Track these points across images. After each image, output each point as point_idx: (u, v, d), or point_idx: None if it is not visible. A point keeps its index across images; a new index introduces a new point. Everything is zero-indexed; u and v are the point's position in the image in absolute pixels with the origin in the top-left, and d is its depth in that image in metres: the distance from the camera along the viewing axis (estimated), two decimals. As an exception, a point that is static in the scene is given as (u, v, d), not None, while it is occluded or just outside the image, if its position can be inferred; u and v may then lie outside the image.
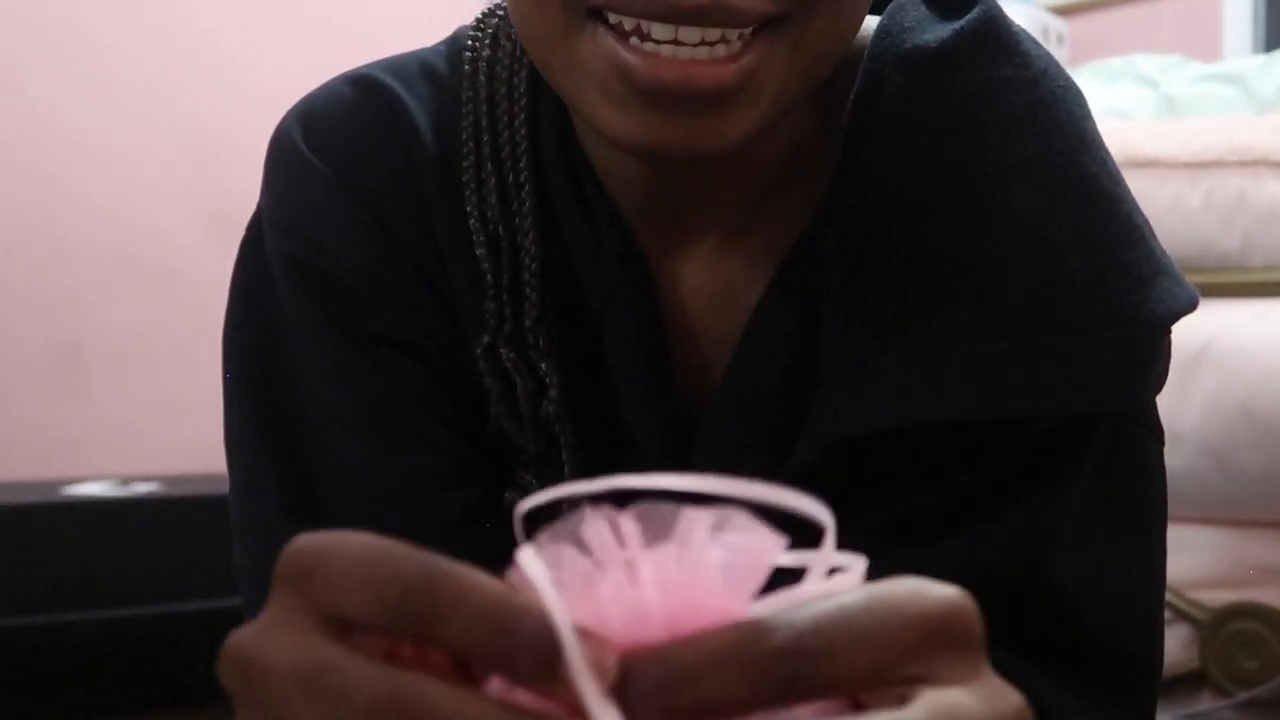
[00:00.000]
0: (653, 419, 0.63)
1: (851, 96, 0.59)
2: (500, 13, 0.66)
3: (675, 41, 0.49)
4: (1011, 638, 0.58)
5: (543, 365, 0.62)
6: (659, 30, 0.49)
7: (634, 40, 0.49)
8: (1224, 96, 2.12)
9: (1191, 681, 1.55)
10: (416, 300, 0.62)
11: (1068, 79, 0.60)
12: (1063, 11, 3.12)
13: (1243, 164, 1.70)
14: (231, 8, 2.66)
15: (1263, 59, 2.18)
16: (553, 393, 0.62)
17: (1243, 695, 1.61)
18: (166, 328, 2.48)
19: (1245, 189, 1.69)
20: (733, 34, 0.49)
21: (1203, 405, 1.55)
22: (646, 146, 0.51)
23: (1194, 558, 1.63)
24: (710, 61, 0.49)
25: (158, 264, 2.51)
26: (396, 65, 0.66)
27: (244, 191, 2.82)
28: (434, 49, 0.67)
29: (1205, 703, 1.63)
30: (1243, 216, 1.69)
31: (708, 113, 0.50)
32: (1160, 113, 2.15)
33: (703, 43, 0.49)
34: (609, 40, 0.50)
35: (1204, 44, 2.95)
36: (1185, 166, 1.71)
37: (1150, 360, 0.58)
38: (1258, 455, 1.61)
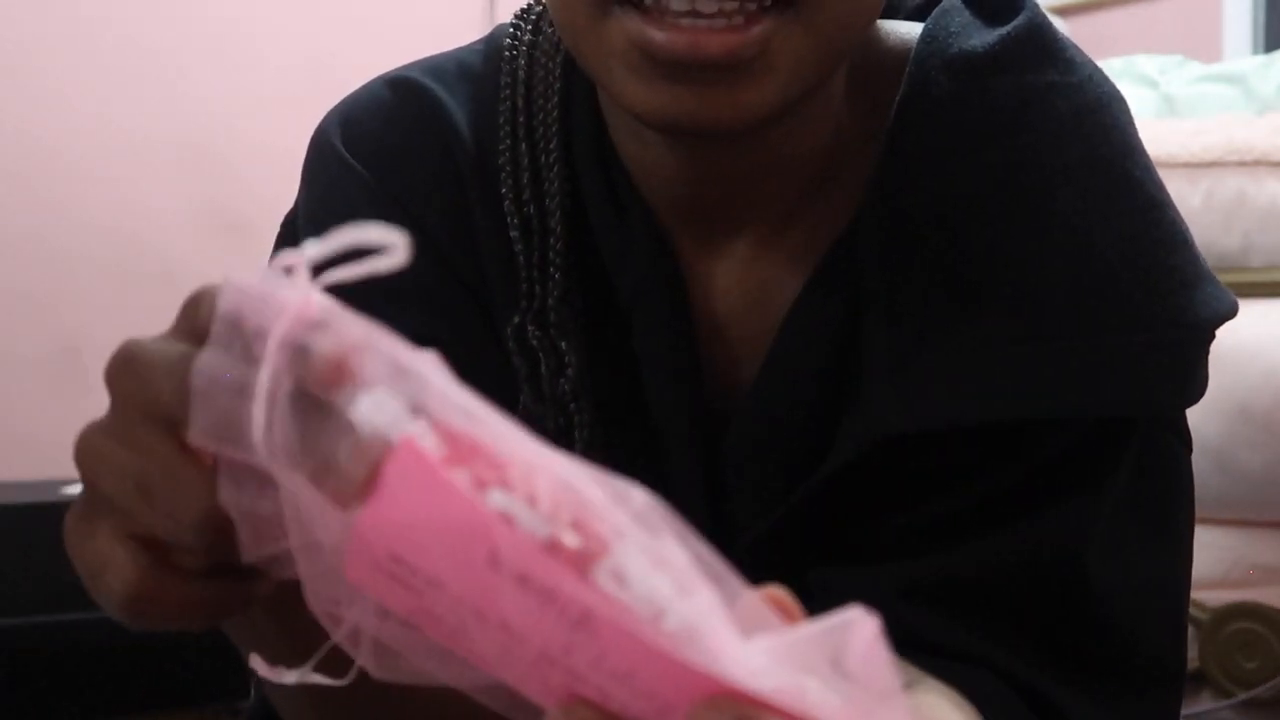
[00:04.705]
0: (679, 415, 0.64)
1: (897, 99, 0.60)
2: (542, 4, 0.68)
3: (693, 13, 0.51)
4: (1040, 637, 0.58)
5: (563, 344, 0.63)
6: (677, 3, 0.51)
7: (655, 14, 0.51)
8: (1224, 96, 2.12)
9: (1191, 681, 1.55)
10: (447, 300, 0.64)
11: (1111, 85, 0.61)
12: (1063, 11, 3.12)
13: (1243, 164, 1.70)
14: (232, 9, 2.66)
15: (1263, 59, 2.18)
16: (570, 371, 0.63)
17: (1243, 695, 1.61)
18: (166, 328, 2.48)
19: (1245, 189, 1.69)
20: (751, 6, 0.51)
21: (1203, 405, 1.54)
22: (668, 119, 0.53)
23: (1194, 557, 1.63)
24: (720, 29, 0.50)
25: (158, 265, 2.51)
26: (434, 66, 0.68)
27: (244, 193, 2.82)
28: (470, 48, 0.69)
29: (1205, 703, 1.63)
30: (1243, 216, 1.69)
31: (722, 82, 0.52)
32: (1160, 113, 2.15)
33: (720, 14, 0.51)
34: (633, 19, 0.52)
35: (1204, 44, 2.95)
36: (1185, 166, 1.71)
37: (1193, 365, 0.59)
38: (1258, 455, 1.61)
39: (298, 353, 0.31)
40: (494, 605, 0.29)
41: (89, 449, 0.37)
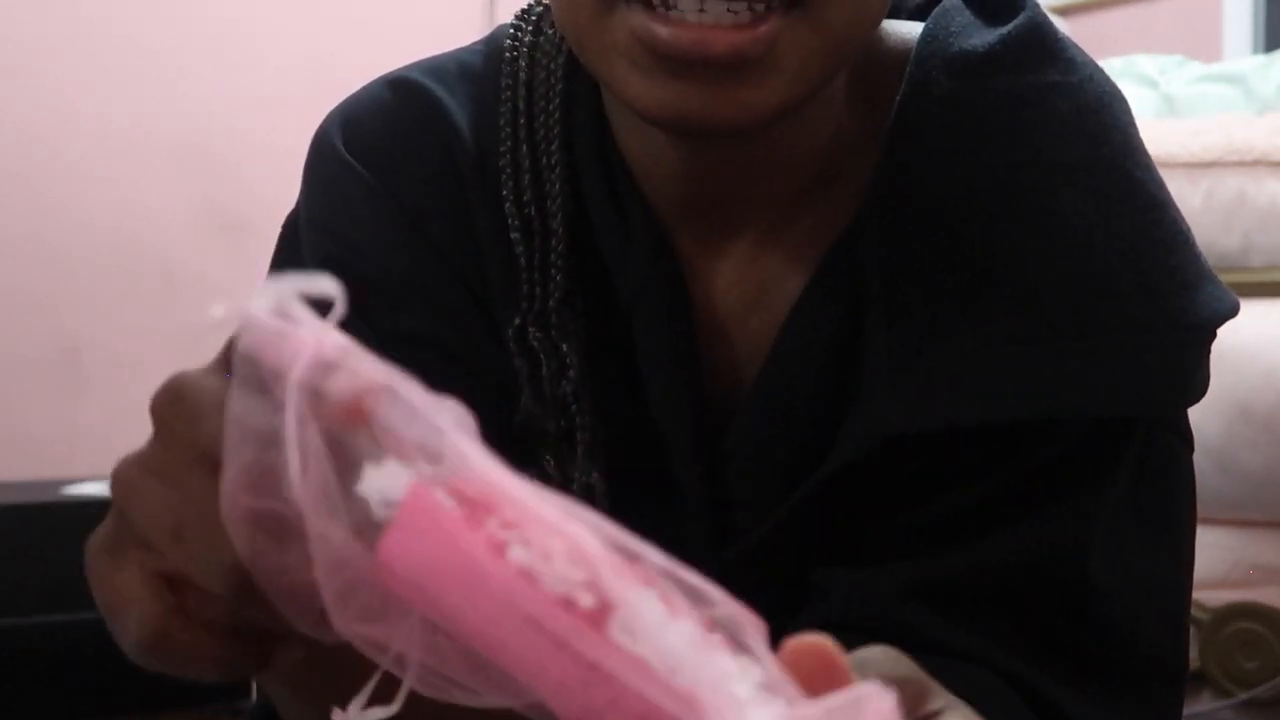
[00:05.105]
0: (680, 416, 0.64)
1: (897, 99, 0.60)
2: (543, 4, 0.68)
3: (700, 12, 0.51)
4: (1041, 637, 0.58)
5: (564, 346, 0.63)
6: (685, 2, 0.50)
7: (660, 11, 0.51)
8: (1224, 96, 2.12)
9: (1191, 681, 1.55)
10: (447, 300, 0.64)
11: (1112, 85, 0.61)
12: (1063, 11, 3.12)
13: (1243, 164, 1.70)
14: (232, 9, 2.66)
15: (1263, 59, 2.18)
16: (571, 373, 0.63)
17: (1243, 695, 1.61)
18: (166, 329, 2.48)
19: (1245, 189, 1.69)
20: (759, 6, 0.51)
21: (1203, 405, 1.54)
22: (672, 116, 0.53)
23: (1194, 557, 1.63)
24: (727, 27, 0.50)
25: (157, 265, 2.51)
26: (435, 67, 0.68)
27: (244, 193, 2.82)
28: (471, 49, 0.69)
29: (1205, 703, 1.63)
30: (1243, 216, 1.69)
31: (728, 80, 0.51)
32: (1160, 113, 2.15)
33: (727, 13, 0.51)
34: (638, 15, 0.51)
35: (1204, 44, 2.95)
36: (1185, 166, 1.71)
37: (1194, 365, 0.59)
38: (1258, 455, 1.61)
39: (316, 395, 0.31)
40: (513, 641, 0.30)
41: (127, 482, 0.36)
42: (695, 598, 0.30)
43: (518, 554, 0.29)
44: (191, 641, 0.36)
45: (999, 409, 0.57)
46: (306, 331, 0.32)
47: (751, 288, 0.64)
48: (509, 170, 0.64)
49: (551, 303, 0.63)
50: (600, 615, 0.29)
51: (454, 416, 0.31)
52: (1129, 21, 3.12)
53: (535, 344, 0.63)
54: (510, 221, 0.63)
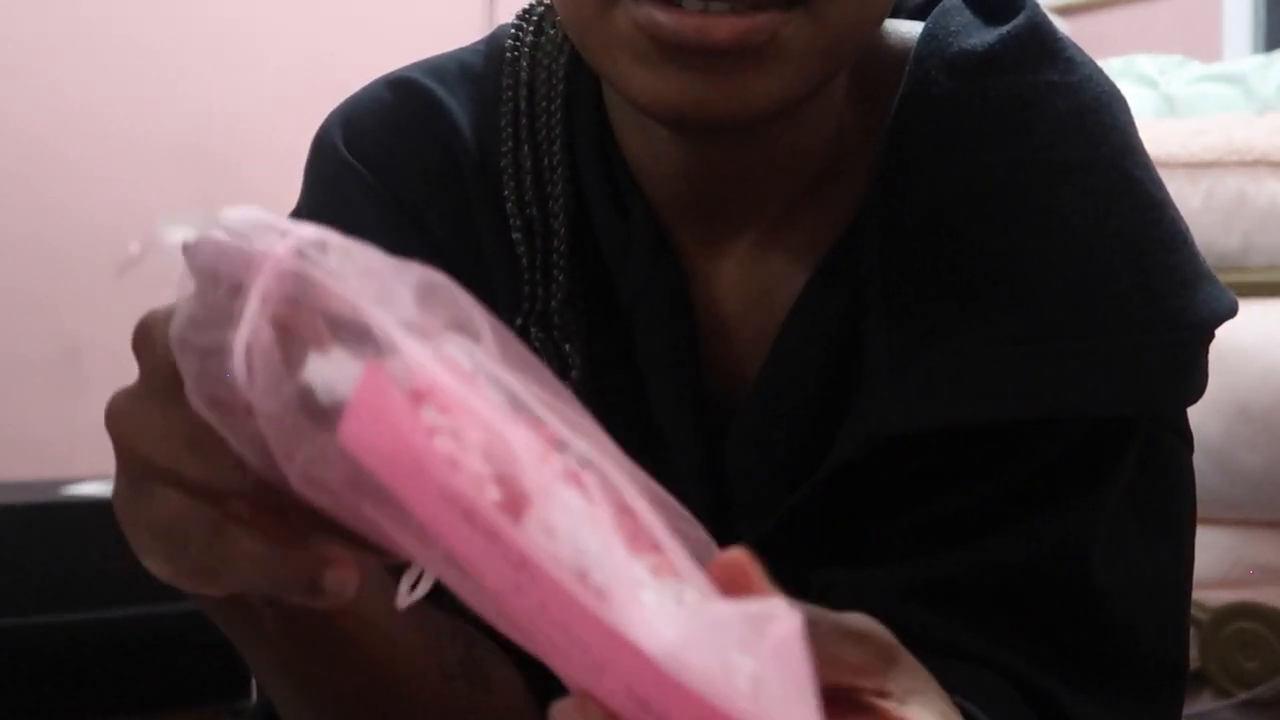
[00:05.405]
0: (681, 415, 0.64)
1: (897, 98, 0.60)
2: (544, 4, 0.68)
3: (704, 12, 0.51)
4: (1042, 637, 0.58)
5: (566, 346, 0.63)
6: (690, 2, 0.51)
7: (663, 3, 0.51)
8: (1224, 96, 2.12)
9: (1191, 681, 1.55)
10: None
11: (1111, 84, 0.61)
12: (1063, 11, 3.12)
13: (1243, 164, 1.70)
14: (232, 9, 2.66)
15: (1263, 59, 2.18)
16: (574, 374, 0.63)
17: (1243, 695, 1.61)
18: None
19: (1245, 189, 1.69)
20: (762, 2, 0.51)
21: (1203, 405, 1.55)
22: (674, 109, 0.53)
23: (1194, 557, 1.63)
24: (728, 16, 0.50)
25: (157, 265, 2.51)
26: (435, 67, 0.68)
27: (244, 193, 2.82)
28: (472, 49, 0.69)
29: (1205, 703, 1.63)
30: (1243, 216, 1.69)
31: (730, 69, 0.52)
32: (1160, 113, 2.15)
33: (731, 12, 0.51)
34: (641, 6, 0.52)
35: (1204, 44, 2.95)
36: (1185, 166, 1.71)
37: (1192, 364, 0.59)
38: (1258, 455, 1.61)
39: (278, 304, 0.31)
40: (451, 538, 0.29)
41: (127, 416, 0.36)
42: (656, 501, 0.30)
43: (443, 443, 0.29)
44: (245, 542, 0.35)
45: (999, 409, 0.57)
46: (266, 243, 0.32)
47: (752, 287, 0.64)
48: (510, 170, 0.64)
49: (553, 303, 0.63)
50: (517, 511, 0.29)
51: (416, 281, 0.32)
52: (1129, 21, 3.12)
53: (537, 344, 0.63)
54: (512, 222, 0.64)
